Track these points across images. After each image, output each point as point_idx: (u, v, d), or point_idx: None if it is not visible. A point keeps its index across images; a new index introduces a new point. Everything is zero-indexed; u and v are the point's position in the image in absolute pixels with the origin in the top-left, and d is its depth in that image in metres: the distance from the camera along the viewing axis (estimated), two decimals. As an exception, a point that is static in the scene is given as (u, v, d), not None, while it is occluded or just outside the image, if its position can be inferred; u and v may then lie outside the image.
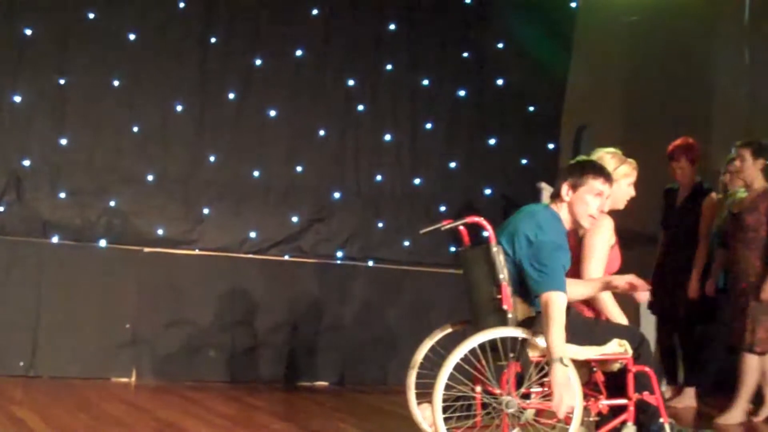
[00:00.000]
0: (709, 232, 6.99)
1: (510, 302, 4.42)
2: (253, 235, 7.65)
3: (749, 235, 6.38)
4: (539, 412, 4.50)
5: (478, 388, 4.52)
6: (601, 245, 4.79)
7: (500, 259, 4.45)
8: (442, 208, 8.09)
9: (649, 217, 7.46)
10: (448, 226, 4.67)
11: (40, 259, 6.95)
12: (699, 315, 7.00)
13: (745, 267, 6.38)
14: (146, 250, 7.17)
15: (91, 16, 7.32)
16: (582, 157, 4.97)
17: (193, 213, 7.51)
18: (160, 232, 7.40)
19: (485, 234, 4.51)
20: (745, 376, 6.34)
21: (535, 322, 4.45)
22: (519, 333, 4.37)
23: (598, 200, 4.58)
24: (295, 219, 7.88)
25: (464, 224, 4.65)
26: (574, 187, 4.60)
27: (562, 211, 4.63)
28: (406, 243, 8.05)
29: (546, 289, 4.35)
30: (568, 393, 4.24)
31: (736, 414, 6.36)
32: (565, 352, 4.27)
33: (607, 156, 4.96)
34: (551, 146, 8.81)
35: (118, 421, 5.45)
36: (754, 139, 6.56)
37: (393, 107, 8.14)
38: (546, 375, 4.37)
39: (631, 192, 4.98)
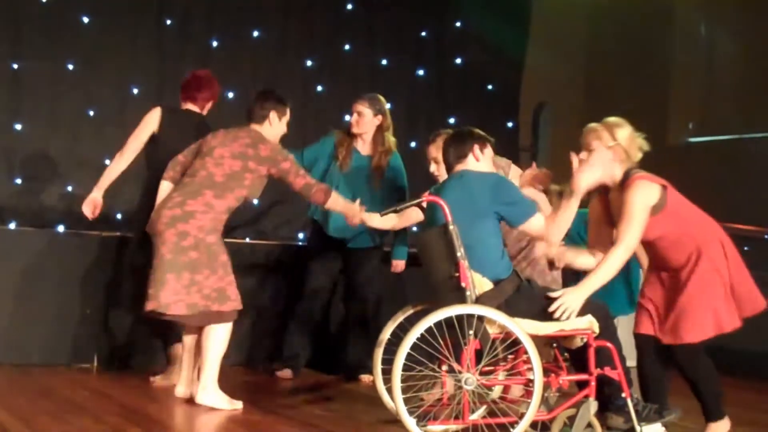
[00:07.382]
0: None
1: (468, 280, 4.43)
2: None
3: None
4: (505, 390, 4.53)
5: (444, 367, 4.55)
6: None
7: (457, 238, 4.48)
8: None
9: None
10: (405, 207, 4.70)
11: (-2, 246, 6.87)
12: None
13: None
14: (104, 234, 7.10)
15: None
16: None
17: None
18: (118, 216, 7.34)
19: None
20: None
21: (495, 294, 4.47)
22: (477, 310, 4.39)
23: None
24: (255, 201, 7.82)
25: (420, 204, 4.67)
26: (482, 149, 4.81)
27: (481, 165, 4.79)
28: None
29: (531, 213, 4.58)
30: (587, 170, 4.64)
31: None
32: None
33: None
34: (510, 124, 8.83)
35: (82, 407, 5.41)
36: None
37: (352, 88, 8.08)
38: (508, 349, 4.41)
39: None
